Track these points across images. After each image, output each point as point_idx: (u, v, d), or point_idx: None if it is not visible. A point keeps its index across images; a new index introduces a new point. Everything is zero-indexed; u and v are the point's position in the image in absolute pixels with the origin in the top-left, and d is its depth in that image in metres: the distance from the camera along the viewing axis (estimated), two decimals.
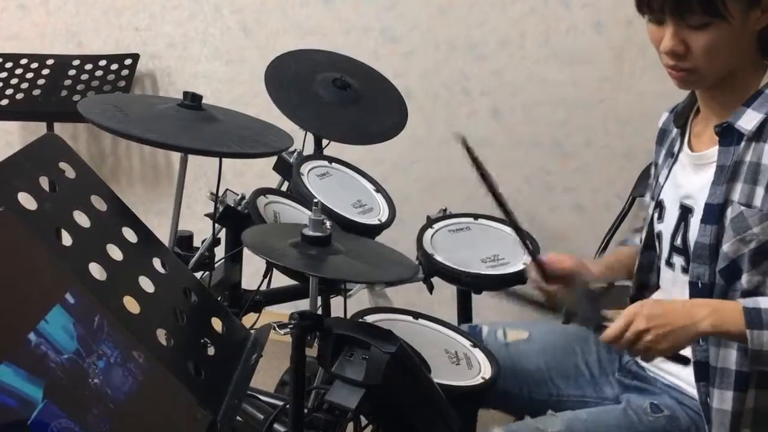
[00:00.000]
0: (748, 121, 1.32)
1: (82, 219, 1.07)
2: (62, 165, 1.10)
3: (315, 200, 1.30)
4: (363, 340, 1.24)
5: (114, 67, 2.84)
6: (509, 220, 1.53)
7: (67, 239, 1.03)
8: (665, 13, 1.29)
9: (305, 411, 1.38)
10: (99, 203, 1.13)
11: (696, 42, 1.28)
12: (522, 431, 1.39)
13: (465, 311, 2.31)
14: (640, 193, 2.57)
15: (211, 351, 1.14)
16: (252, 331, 1.27)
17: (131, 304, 1.03)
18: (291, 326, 1.27)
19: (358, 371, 1.24)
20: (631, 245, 1.68)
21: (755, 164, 1.30)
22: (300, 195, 1.74)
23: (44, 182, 1.06)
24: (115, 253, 1.09)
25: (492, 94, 2.65)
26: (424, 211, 2.10)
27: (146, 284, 1.10)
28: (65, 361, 0.85)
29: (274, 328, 1.28)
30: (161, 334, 1.05)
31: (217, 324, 1.19)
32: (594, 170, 2.63)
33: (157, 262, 1.16)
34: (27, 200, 1.01)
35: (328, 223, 1.30)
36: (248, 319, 1.94)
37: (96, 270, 1.03)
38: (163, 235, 1.81)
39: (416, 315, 1.65)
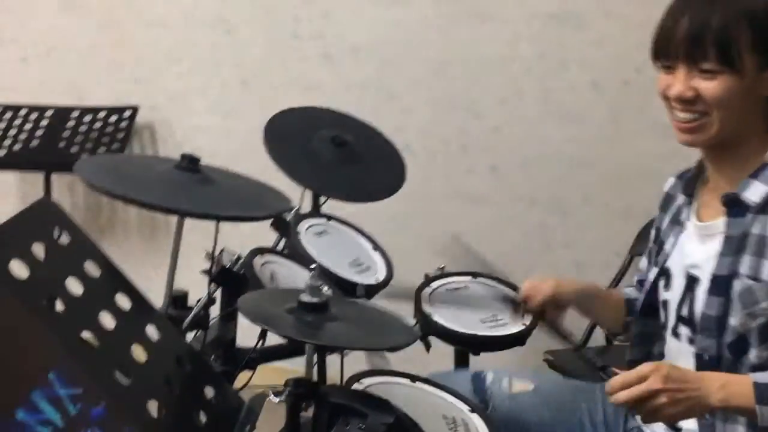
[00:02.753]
0: (755, 192, 1.32)
1: (75, 286, 1.05)
2: (56, 231, 1.09)
3: (313, 265, 1.28)
4: (360, 410, 1.22)
5: (113, 119, 2.84)
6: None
7: (59, 307, 1.01)
8: (679, 57, 1.30)
9: None
10: (93, 269, 1.11)
11: (706, 90, 1.30)
12: None
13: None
14: (638, 252, 2.57)
15: (203, 421, 1.11)
16: (245, 399, 1.24)
17: (123, 376, 1.01)
18: (286, 394, 1.24)
19: None
20: (619, 291, 1.68)
21: (761, 237, 1.29)
22: (297, 254, 1.73)
23: (37, 249, 1.04)
24: (108, 321, 1.07)
25: (490, 150, 2.66)
26: (422, 267, 2.08)
27: (139, 353, 1.07)
28: None
29: (269, 396, 1.25)
30: (153, 406, 1.03)
31: (210, 392, 1.17)
32: (593, 228, 2.62)
33: (150, 329, 1.14)
34: (19, 268, 0.99)
35: (325, 289, 1.28)
36: (243, 376, 1.91)
37: (88, 338, 1.01)
38: (159, 288, 1.79)
39: (413, 378, 1.62)
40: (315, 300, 1.26)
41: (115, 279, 1.14)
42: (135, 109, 2.87)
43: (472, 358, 2.21)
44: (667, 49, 1.32)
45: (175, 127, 2.93)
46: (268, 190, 1.48)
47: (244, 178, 1.55)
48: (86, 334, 1.01)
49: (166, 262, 2.87)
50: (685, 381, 1.23)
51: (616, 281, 2.51)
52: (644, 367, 1.25)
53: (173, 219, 2.96)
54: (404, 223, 2.72)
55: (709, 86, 1.29)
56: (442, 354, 2.05)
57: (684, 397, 1.22)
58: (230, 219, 1.31)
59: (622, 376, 1.26)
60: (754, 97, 1.31)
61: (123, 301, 1.12)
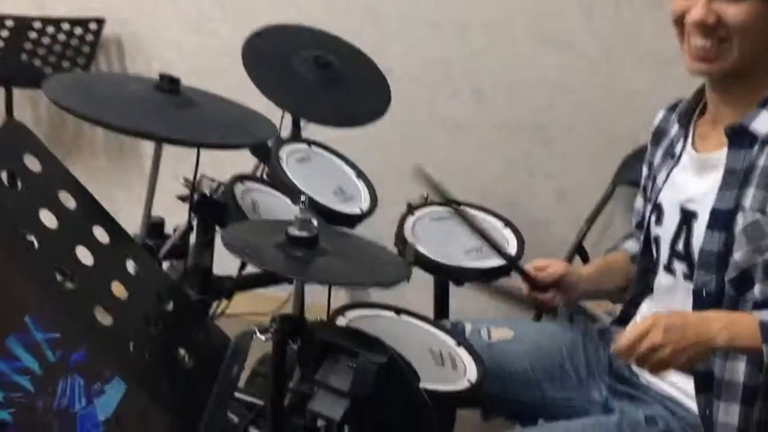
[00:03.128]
0: (764, 123, 1.26)
1: (49, 219, 0.97)
2: (27, 157, 1.00)
3: (302, 197, 1.21)
4: (350, 348, 1.17)
5: (78, 31, 2.69)
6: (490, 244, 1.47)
7: (33, 243, 0.93)
8: None
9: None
10: (67, 200, 1.03)
11: (729, 15, 1.24)
12: None
13: (442, 302, 2.25)
14: (622, 181, 2.54)
15: (187, 362, 1.05)
16: (230, 336, 1.18)
17: (103, 315, 0.94)
18: (272, 331, 1.19)
19: (343, 380, 1.17)
20: (621, 252, 1.62)
21: None
22: (279, 182, 1.65)
23: (6, 177, 0.96)
24: (86, 256, 0.99)
25: (475, 75, 2.57)
26: (401, 194, 2.02)
27: (119, 290, 1.00)
28: (31, 392, 0.76)
29: (255, 333, 1.20)
30: (134, 347, 0.96)
31: (194, 331, 1.11)
32: (576, 156, 2.57)
33: (130, 264, 1.06)
34: None
35: (314, 222, 1.21)
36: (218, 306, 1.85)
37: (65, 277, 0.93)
38: (128, 211, 1.71)
39: (398, 311, 1.58)
40: (304, 234, 1.19)
41: (91, 210, 1.05)
42: (101, 22, 2.72)
43: (455, 297, 2.18)
44: None
45: (145, 42, 2.78)
46: (252, 114, 1.39)
47: (226, 102, 1.45)
48: (63, 273, 0.93)
49: (136, 182, 2.75)
50: (685, 327, 1.20)
51: (598, 210, 2.48)
52: (644, 324, 1.22)
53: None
54: (385, 149, 2.64)
55: (734, 11, 1.23)
56: (422, 285, 2.01)
57: (687, 344, 1.20)
58: (213, 146, 1.22)
59: (624, 338, 1.23)
60: None
61: (101, 235, 1.04)
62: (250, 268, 1.86)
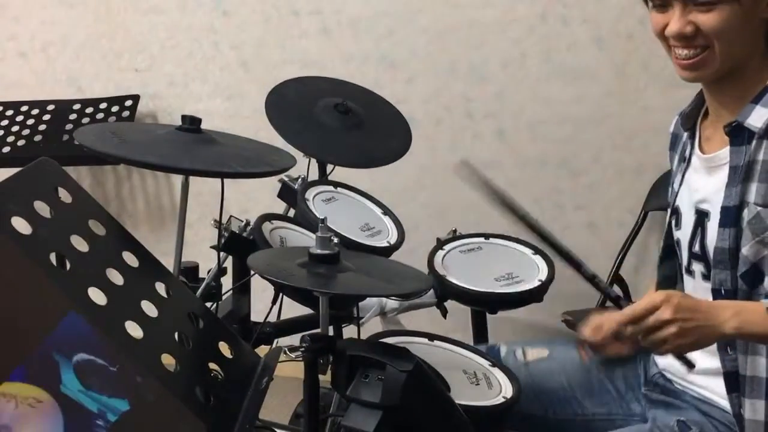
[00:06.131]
0: (758, 118, 1.29)
1: (80, 243, 1.03)
2: (58, 189, 1.06)
3: (321, 218, 1.25)
4: (378, 360, 1.19)
5: (115, 108, 2.82)
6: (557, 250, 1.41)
7: (66, 263, 0.99)
8: None
9: None
10: (97, 228, 1.09)
11: (704, 23, 1.26)
12: None
13: (480, 333, 2.25)
14: (652, 207, 2.54)
15: (220, 376, 1.09)
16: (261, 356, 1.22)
17: (133, 329, 0.99)
18: (302, 349, 1.22)
19: (374, 393, 1.19)
20: None
21: None
22: (306, 220, 1.70)
23: (39, 207, 1.02)
24: (116, 277, 1.04)
25: (495, 115, 2.63)
26: (434, 237, 2.04)
27: (149, 309, 1.05)
28: None
29: (285, 352, 1.23)
30: (167, 359, 1.01)
31: (225, 349, 1.14)
32: (604, 187, 2.59)
33: (160, 287, 1.11)
34: (22, 225, 0.97)
35: (335, 240, 1.26)
36: (259, 352, 1.89)
37: (95, 295, 0.99)
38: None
39: (432, 337, 1.60)
40: (326, 251, 1.23)
41: (121, 237, 1.11)
42: (136, 98, 2.86)
43: (491, 326, 2.18)
44: None
45: (177, 114, 2.88)
46: (271, 148, 1.45)
47: (245, 139, 1.52)
48: (93, 290, 0.99)
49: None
50: (696, 310, 1.20)
51: (632, 238, 2.48)
52: (655, 297, 1.22)
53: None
54: (413, 194, 2.69)
55: (708, 18, 1.26)
56: (459, 321, 2.03)
57: (694, 326, 1.19)
58: (236, 176, 1.28)
59: (631, 308, 1.23)
60: (753, 23, 1.28)
61: (130, 259, 1.10)
62: (287, 314, 1.91)
